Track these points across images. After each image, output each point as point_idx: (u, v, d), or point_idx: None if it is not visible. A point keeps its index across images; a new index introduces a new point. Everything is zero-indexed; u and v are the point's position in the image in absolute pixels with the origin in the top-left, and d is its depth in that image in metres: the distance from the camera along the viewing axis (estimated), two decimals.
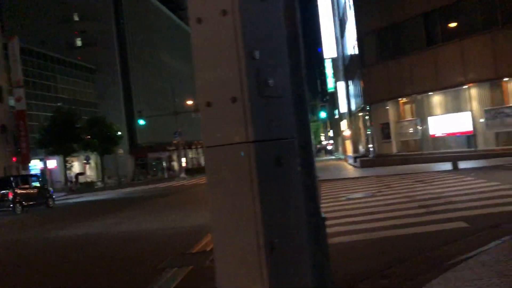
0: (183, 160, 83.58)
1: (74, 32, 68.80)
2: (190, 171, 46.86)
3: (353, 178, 19.71)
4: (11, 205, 20.89)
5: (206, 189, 2.18)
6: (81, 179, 48.78)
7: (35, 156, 45.77)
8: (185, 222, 11.60)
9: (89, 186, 43.31)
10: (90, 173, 55.91)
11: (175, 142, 45.91)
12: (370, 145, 28.99)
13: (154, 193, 25.86)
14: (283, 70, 2.05)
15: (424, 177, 16.04)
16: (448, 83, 22.46)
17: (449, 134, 23.33)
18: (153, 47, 78.84)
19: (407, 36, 24.71)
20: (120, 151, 54.17)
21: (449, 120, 23.12)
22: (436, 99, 24.24)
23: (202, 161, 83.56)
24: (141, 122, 43.18)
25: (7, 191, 21.11)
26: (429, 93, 24.01)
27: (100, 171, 52.10)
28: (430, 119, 24.16)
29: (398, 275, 4.50)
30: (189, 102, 55.73)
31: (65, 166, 42.51)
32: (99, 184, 46.82)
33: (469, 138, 22.35)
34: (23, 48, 46.38)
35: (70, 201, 28.76)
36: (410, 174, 17.73)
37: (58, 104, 48.49)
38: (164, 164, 70.77)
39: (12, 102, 40.84)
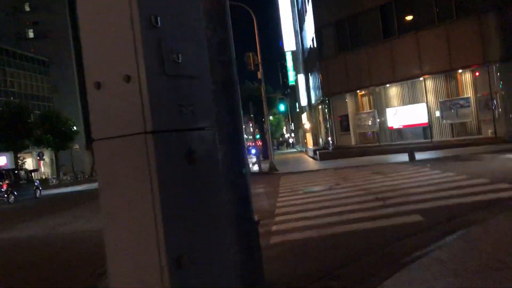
0: None
1: (26, 23, 65.98)
2: None
3: (312, 171, 19.61)
4: None
5: (98, 192, 1.77)
6: (35, 176, 46.81)
7: None
8: None
9: (42, 183, 41.49)
10: (46, 169, 53.91)
11: None
12: (330, 138, 29.09)
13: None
14: (199, 45, 1.64)
15: (381, 168, 16.08)
16: (404, 75, 22.72)
17: (406, 126, 23.65)
18: None
19: (364, 28, 24.82)
20: (76, 146, 52.42)
21: (405, 111, 23.42)
22: (393, 91, 24.50)
23: None
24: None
25: None
26: (387, 85, 24.24)
27: (55, 168, 50.25)
28: (387, 111, 24.42)
29: (349, 276, 4.23)
30: None
31: (16, 163, 40.55)
32: (54, 181, 45.06)
33: (425, 129, 22.72)
34: None
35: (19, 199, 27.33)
36: (368, 166, 17.77)
37: (8, 98, 46.28)
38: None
39: None
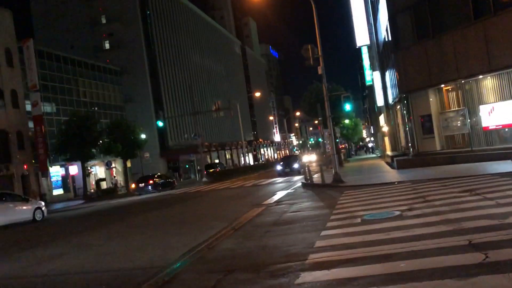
0: (217, 161, 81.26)
1: (102, 35, 67.81)
2: (217, 174, 43.83)
3: (384, 184, 15.88)
4: None
5: None
6: (104, 184, 46.96)
7: (57, 162, 44.29)
8: (138, 257, 8.44)
9: (111, 192, 41.18)
10: (119, 178, 54.22)
11: (197, 143, 43.05)
12: (410, 142, 24.83)
13: (162, 202, 22.91)
14: None
15: (475, 183, 12.09)
16: (504, 63, 18.13)
17: (506, 126, 19.01)
18: (183, 48, 76.72)
19: (448, 9, 20.49)
20: (146, 154, 52.03)
21: (505, 108, 18.81)
22: (488, 83, 19.90)
23: (240, 162, 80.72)
24: (160, 123, 40.52)
25: None
26: (479, 77, 19.72)
27: (128, 176, 50.11)
28: (481, 108, 19.88)
29: None
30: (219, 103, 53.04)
31: (84, 172, 40.50)
32: (122, 190, 44.69)
33: None
34: (41, 51, 45.03)
35: (71, 212, 26.28)
36: (457, 179, 13.77)
37: (80, 108, 46.91)
38: (198, 166, 68.50)
39: (29, 107, 39.36)
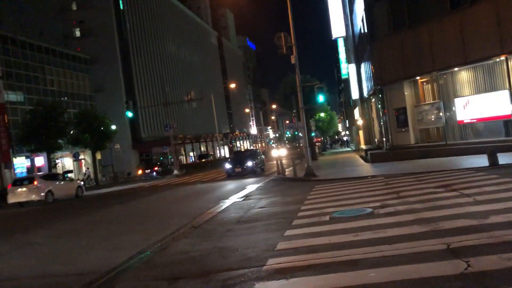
0: (192, 154, 80.00)
1: (72, 22, 65.40)
2: (189, 166, 42.85)
3: (357, 178, 15.25)
4: None
5: None
6: (72, 177, 45.23)
7: (21, 153, 42.44)
8: (81, 259, 7.52)
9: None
10: (87, 171, 52.49)
11: (167, 135, 41.84)
12: (384, 135, 24.38)
13: (126, 195, 21.82)
14: None
15: (451, 178, 11.54)
16: (479, 55, 17.72)
17: (481, 120, 18.65)
18: (157, 37, 74.83)
19: None
20: (117, 146, 50.51)
21: (480, 101, 18.43)
22: (464, 76, 19.50)
23: (215, 155, 79.62)
24: (129, 114, 39.10)
25: None
26: (455, 69, 19.31)
27: (98, 168, 48.49)
28: (456, 101, 19.48)
29: None
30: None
31: (50, 164, 38.86)
32: (90, 182, 43.18)
33: (508, 123, 17.66)
34: (5, 36, 42.94)
35: (30, 207, 24.92)
36: (432, 174, 13.24)
37: (46, 97, 45.01)
38: (171, 159, 67.21)
39: None
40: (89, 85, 57.19)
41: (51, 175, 26.23)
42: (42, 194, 22.50)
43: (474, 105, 18.69)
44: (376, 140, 30.14)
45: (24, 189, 22.83)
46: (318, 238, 6.50)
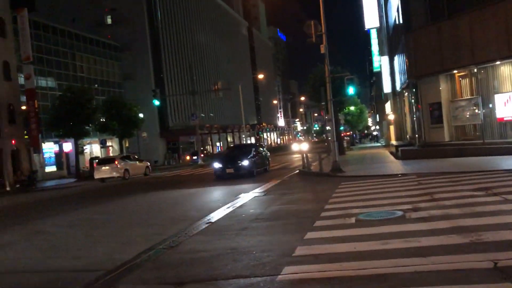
0: (218, 144, 79.85)
1: (104, 10, 65.84)
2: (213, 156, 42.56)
3: (387, 176, 14.41)
4: None
5: None
6: None
7: (50, 138, 43.03)
8: (88, 253, 7.11)
9: None
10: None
11: (193, 124, 41.56)
12: (417, 132, 23.27)
13: (147, 184, 21.58)
14: None
15: (490, 180, 10.60)
16: None
17: None
18: (187, 26, 74.69)
19: None
20: (144, 134, 50.65)
21: None
22: (506, 70, 18.23)
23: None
24: (156, 102, 38.96)
25: None
26: (497, 62, 18.05)
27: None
28: (496, 98, 18.26)
29: None
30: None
31: (77, 150, 39.19)
32: None
33: None
34: (37, 22, 43.40)
35: (55, 191, 25.06)
36: (468, 174, 12.29)
37: (76, 83, 45.35)
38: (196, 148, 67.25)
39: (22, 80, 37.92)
40: (119, 72, 57.53)
41: (126, 157, 31.20)
42: (122, 171, 27.62)
43: None
44: (407, 136, 28.97)
45: (107, 167, 27.86)
46: (341, 244, 5.83)
